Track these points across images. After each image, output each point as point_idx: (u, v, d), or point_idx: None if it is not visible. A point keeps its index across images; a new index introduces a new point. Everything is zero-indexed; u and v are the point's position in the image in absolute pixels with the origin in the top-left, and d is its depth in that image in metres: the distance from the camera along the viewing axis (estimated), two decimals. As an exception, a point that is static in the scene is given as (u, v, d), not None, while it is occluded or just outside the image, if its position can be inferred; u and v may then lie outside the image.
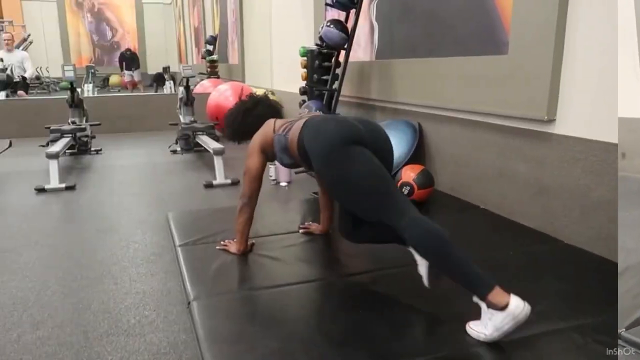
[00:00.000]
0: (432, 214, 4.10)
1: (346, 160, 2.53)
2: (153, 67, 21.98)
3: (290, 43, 8.41)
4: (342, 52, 5.59)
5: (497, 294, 2.12)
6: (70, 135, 6.46)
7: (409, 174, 4.23)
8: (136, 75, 18.05)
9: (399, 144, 4.83)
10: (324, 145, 2.60)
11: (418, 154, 4.91)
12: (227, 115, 3.30)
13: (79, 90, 7.68)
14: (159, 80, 17.60)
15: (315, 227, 3.59)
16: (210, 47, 14.02)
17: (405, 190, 4.14)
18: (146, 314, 2.71)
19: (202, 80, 13.08)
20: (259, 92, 8.51)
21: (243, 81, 11.75)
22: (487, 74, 3.97)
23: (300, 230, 3.60)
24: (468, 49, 4.20)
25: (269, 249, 3.27)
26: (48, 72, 19.78)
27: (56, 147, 5.47)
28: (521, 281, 2.61)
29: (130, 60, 18.17)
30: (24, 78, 10.42)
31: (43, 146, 6.40)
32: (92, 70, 16.94)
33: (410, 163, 4.68)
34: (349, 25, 5.49)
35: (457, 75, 4.34)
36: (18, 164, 6.61)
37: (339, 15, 5.79)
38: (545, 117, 3.46)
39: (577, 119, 3.33)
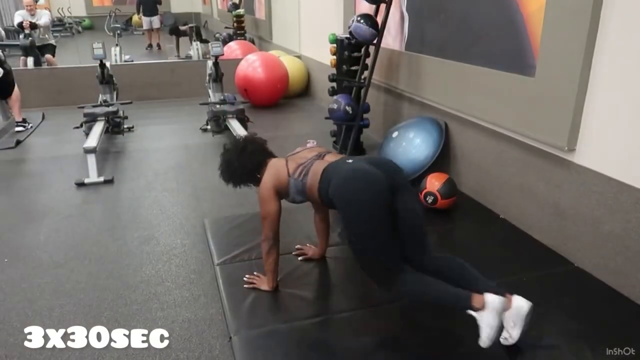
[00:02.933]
0: (454, 223, 4.35)
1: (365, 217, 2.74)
2: (177, 9, 21.72)
3: (318, 9, 8.52)
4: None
5: (474, 300, 2.56)
6: (103, 118, 6.61)
7: (433, 183, 4.40)
8: (155, 23, 16.62)
9: (425, 144, 4.97)
10: (360, 203, 2.73)
11: (444, 154, 5.02)
12: (221, 165, 3.32)
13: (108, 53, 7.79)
14: (176, 31, 15.41)
15: (313, 252, 3.75)
16: (237, 0, 13.88)
17: (429, 199, 4.33)
18: (192, 347, 2.94)
19: (228, 32, 13.17)
20: (285, 58, 8.69)
21: (270, 39, 11.77)
22: (513, 92, 4.02)
23: (295, 252, 3.78)
24: (496, 62, 4.23)
25: (304, 277, 3.52)
26: (70, 12, 19.80)
27: (93, 142, 5.57)
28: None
29: (147, 3, 16.27)
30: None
31: (77, 127, 6.60)
32: (113, 13, 16.89)
33: (436, 163, 4.88)
34: (379, 18, 5.43)
35: (483, 85, 4.38)
36: (54, 147, 6.84)
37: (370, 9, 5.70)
38: (566, 147, 3.55)
39: (596, 152, 3.42)
